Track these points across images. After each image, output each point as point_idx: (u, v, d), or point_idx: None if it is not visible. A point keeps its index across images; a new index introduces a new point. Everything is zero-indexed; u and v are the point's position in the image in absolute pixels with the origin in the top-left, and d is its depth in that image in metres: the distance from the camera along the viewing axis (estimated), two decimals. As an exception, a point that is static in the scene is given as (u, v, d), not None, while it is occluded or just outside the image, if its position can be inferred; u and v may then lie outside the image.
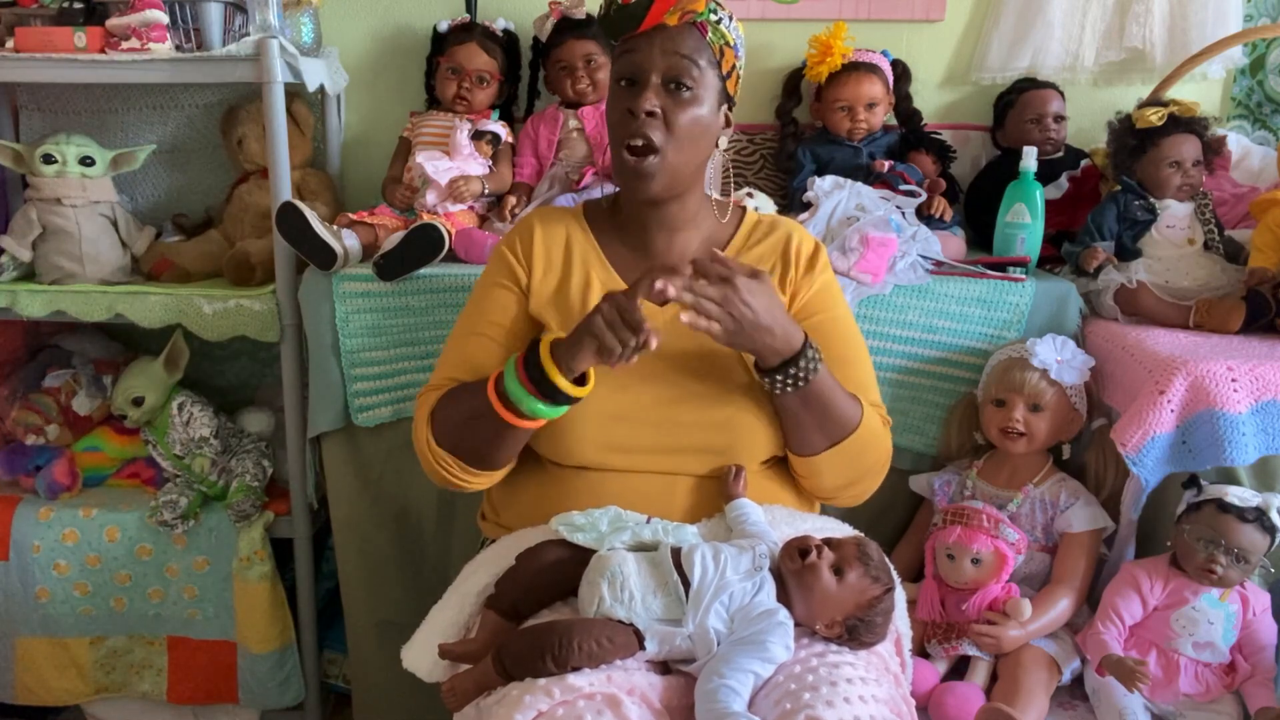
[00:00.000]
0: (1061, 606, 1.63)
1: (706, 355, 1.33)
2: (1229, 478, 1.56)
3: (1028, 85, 2.10)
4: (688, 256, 1.38)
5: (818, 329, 1.38)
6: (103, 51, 1.79)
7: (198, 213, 2.21)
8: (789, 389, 1.26)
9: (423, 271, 1.77)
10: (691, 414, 1.32)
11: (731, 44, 1.32)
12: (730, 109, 1.37)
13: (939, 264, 1.82)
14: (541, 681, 1.07)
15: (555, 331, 1.35)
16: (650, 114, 1.27)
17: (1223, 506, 1.50)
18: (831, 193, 1.87)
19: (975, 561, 1.61)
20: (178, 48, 1.85)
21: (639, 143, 1.28)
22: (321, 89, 1.99)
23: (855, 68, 2.03)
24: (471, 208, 1.95)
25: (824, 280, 1.42)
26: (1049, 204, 1.93)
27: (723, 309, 1.20)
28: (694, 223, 1.40)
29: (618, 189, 1.43)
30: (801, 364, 1.25)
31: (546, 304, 1.39)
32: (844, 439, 1.33)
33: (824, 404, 1.30)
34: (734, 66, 1.33)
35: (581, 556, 1.18)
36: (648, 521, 1.21)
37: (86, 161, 1.91)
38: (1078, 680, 1.63)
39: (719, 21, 1.30)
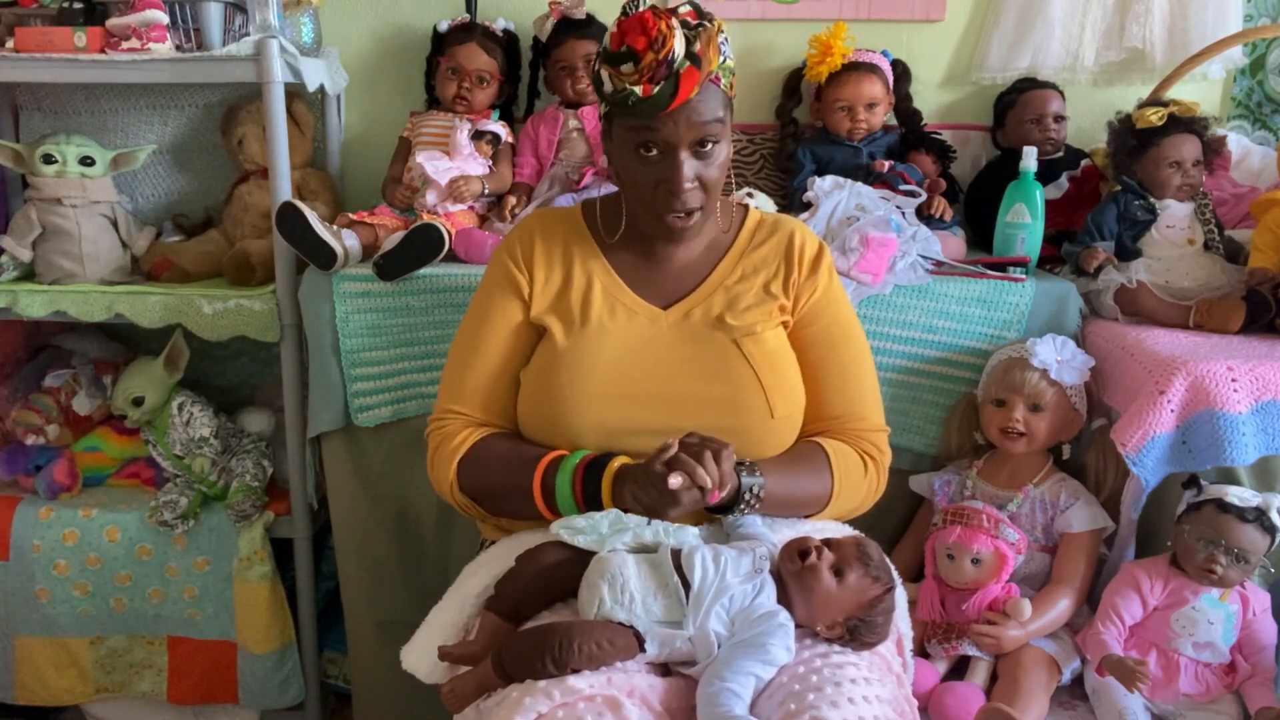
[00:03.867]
0: (1061, 606, 1.63)
1: (708, 360, 1.33)
2: (1229, 478, 1.56)
3: (1028, 85, 2.10)
4: (692, 260, 1.41)
5: (821, 336, 1.39)
6: (103, 51, 1.78)
7: (198, 213, 2.21)
8: (745, 512, 1.27)
9: (423, 271, 1.76)
10: (698, 421, 1.28)
11: (732, 66, 1.28)
12: None
13: (939, 264, 1.81)
14: (541, 683, 1.07)
15: (557, 334, 1.35)
16: (689, 186, 1.27)
17: (1223, 506, 1.50)
18: (831, 193, 1.87)
19: (975, 561, 1.61)
20: (178, 48, 1.85)
21: (683, 214, 1.29)
22: (321, 89, 1.99)
23: (855, 68, 2.03)
24: (471, 208, 1.95)
25: (828, 284, 1.42)
26: (1049, 204, 1.93)
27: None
28: (699, 230, 1.39)
29: (616, 189, 1.42)
30: (741, 506, 1.26)
31: (548, 309, 1.38)
32: (822, 509, 1.36)
33: (787, 502, 1.32)
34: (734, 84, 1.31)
35: (581, 558, 1.18)
36: (649, 523, 1.21)
37: (86, 161, 1.91)
38: (1078, 680, 1.63)
39: (724, 59, 1.25)
